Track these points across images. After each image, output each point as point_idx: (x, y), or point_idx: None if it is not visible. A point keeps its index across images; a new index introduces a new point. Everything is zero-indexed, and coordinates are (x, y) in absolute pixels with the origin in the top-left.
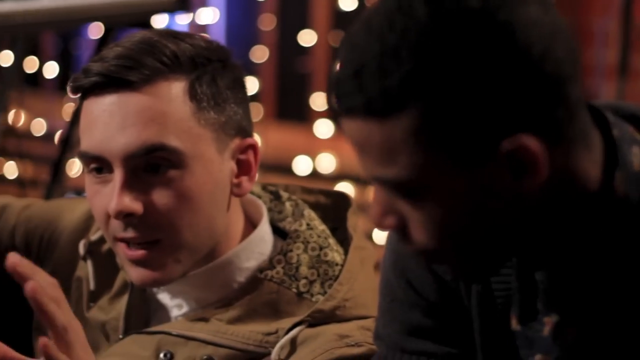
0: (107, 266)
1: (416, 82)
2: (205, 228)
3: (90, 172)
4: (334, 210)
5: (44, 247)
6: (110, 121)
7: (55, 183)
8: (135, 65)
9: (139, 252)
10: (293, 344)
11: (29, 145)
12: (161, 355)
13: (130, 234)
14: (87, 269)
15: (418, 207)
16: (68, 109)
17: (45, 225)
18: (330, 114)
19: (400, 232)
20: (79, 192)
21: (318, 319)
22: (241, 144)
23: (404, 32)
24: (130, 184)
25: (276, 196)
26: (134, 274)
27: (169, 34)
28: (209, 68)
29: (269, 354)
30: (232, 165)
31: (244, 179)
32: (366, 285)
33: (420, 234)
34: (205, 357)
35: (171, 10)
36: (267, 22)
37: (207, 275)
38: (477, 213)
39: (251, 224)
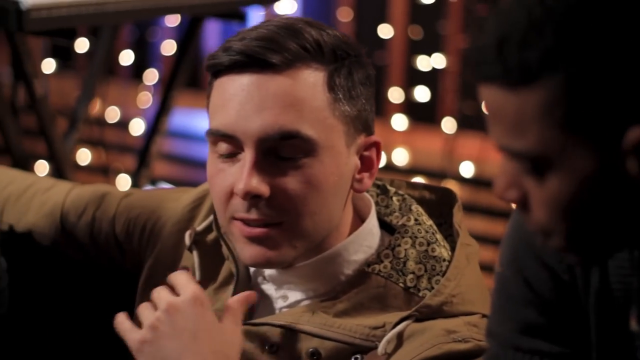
0: (212, 257)
1: (556, 58)
2: (325, 218)
3: (216, 150)
4: (439, 206)
5: (146, 236)
6: (248, 101)
7: (142, 170)
8: (278, 48)
9: (258, 230)
10: (400, 338)
11: (103, 132)
12: (267, 347)
13: (253, 215)
14: (192, 260)
15: (542, 183)
16: (143, 97)
17: (148, 214)
18: (406, 108)
19: (521, 206)
20: (154, 181)
21: (425, 314)
22: (366, 140)
23: (552, 8)
24: (260, 166)
25: (383, 190)
26: (248, 251)
27: (311, 22)
28: (347, 61)
29: (375, 347)
30: (356, 161)
31: (366, 175)
32: (472, 281)
33: (541, 211)
34: (311, 349)
35: (262, 2)
36: (344, 15)
37: (316, 267)
38: (600, 196)
39: (359, 218)
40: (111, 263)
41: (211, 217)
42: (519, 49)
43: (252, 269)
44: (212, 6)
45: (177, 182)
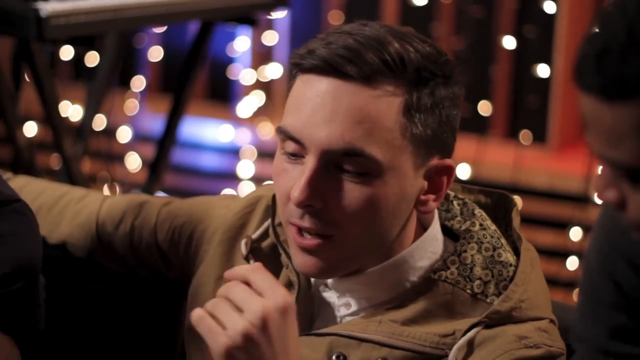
0: (269, 264)
1: None
2: (378, 236)
3: (283, 146)
4: (495, 211)
5: (194, 245)
6: (320, 109)
7: (153, 183)
8: (358, 60)
9: (309, 241)
10: (470, 346)
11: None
12: (334, 357)
13: (305, 223)
14: None
15: (638, 190)
16: (129, 104)
17: (195, 222)
18: None
19: (618, 207)
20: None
21: (495, 320)
22: (439, 164)
23: None
24: (319, 177)
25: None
26: (298, 259)
27: (403, 35)
28: (431, 82)
29: (446, 355)
30: (422, 183)
31: (431, 197)
32: (538, 286)
33: (638, 215)
34: (380, 359)
35: (271, 6)
36: (334, 18)
37: (381, 274)
38: None
39: (421, 224)
40: (153, 273)
41: (266, 223)
42: (618, 64)
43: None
44: (223, 11)
45: (185, 194)
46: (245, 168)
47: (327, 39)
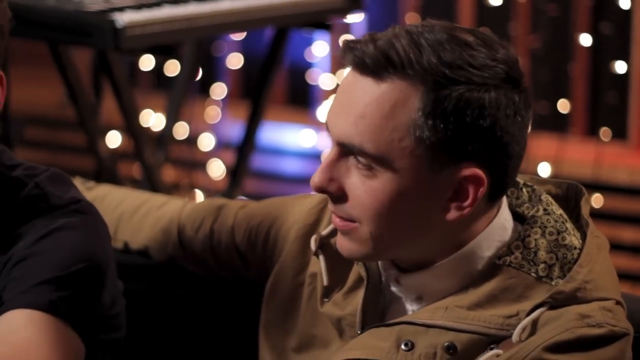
0: (340, 260)
1: None
2: (399, 231)
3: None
4: (565, 200)
5: (270, 243)
6: (340, 101)
7: (233, 190)
8: (384, 58)
9: (338, 223)
10: (534, 326)
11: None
12: (402, 345)
13: (332, 208)
14: (319, 264)
15: None
16: (211, 111)
17: (270, 222)
18: None
19: None
20: (248, 197)
21: (559, 301)
22: (466, 172)
23: None
24: (337, 165)
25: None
26: (339, 242)
27: (451, 38)
28: (452, 88)
29: (510, 336)
30: (444, 188)
31: (454, 205)
32: (604, 269)
33: None
34: (446, 343)
35: (345, 10)
36: (411, 20)
37: (449, 268)
38: None
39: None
40: (233, 274)
41: None
42: None
43: (383, 273)
44: (298, 17)
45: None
46: None
47: (374, 36)
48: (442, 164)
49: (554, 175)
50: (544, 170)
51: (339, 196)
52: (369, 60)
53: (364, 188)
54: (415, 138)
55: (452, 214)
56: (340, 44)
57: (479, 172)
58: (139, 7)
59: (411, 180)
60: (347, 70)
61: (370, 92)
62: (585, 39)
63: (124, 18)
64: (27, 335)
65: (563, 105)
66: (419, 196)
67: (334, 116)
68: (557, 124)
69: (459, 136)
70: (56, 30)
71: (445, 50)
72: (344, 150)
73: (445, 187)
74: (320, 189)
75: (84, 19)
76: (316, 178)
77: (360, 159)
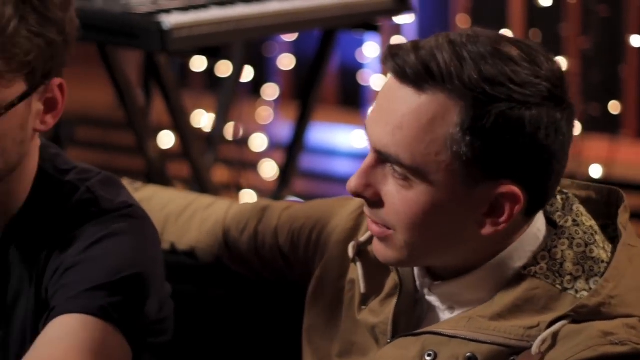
0: (377, 267)
1: None
2: (433, 241)
3: None
4: (606, 207)
5: (312, 246)
6: (382, 107)
7: (282, 189)
8: (424, 69)
9: (377, 229)
10: (554, 338)
11: (223, 149)
12: (426, 355)
13: (367, 212)
14: (357, 271)
15: None
16: (262, 112)
17: (312, 224)
18: None
19: None
20: (299, 197)
21: (582, 315)
22: (503, 188)
23: None
24: (374, 171)
25: None
26: (375, 247)
27: (501, 54)
28: (493, 104)
29: (530, 347)
30: (478, 203)
31: (489, 221)
32: (633, 284)
33: None
34: (468, 354)
35: (395, 11)
36: (462, 22)
37: (480, 277)
38: None
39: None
40: (277, 276)
41: None
42: None
43: (418, 280)
44: (346, 18)
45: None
46: None
47: (416, 44)
48: (478, 180)
49: (605, 177)
50: (596, 171)
51: (375, 202)
52: (410, 70)
53: (399, 197)
54: (452, 153)
55: (487, 229)
56: (386, 48)
57: (516, 189)
58: (186, 9)
59: (446, 194)
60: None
61: (410, 102)
62: (636, 40)
63: (170, 20)
64: (78, 340)
65: (614, 107)
66: (454, 210)
67: (373, 123)
68: (608, 126)
69: (497, 153)
70: (104, 32)
71: (487, 65)
72: (381, 157)
73: (480, 202)
74: (357, 194)
75: (131, 21)
76: (353, 182)
77: (397, 168)
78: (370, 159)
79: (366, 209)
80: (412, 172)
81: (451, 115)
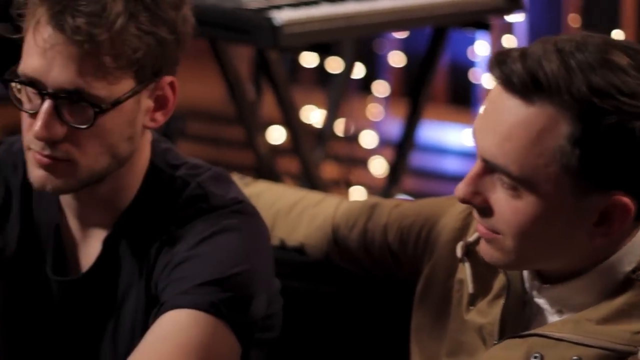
0: (486, 267)
1: None
2: (541, 249)
3: None
4: None
5: (421, 244)
6: (489, 115)
7: (391, 186)
8: (531, 80)
9: (484, 230)
10: None
11: (333, 145)
12: (532, 358)
13: (476, 216)
14: (465, 271)
15: None
16: (372, 109)
17: (422, 223)
18: None
19: None
20: (409, 194)
21: None
22: (612, 200)
23: None
24: (482, 178)
25: None
26: (482, 248)
27: (610, 63)
28: (603, 117)
29: (636, 352)
30: (588, 214)
31: (600, 231)
32: None
33: None
34: (574, 358)
35: (506, 9)
36: (573, 21)
37: (589, 281)
38: None
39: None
40: (386, 273)
41: None
42: None
43: (527, 282)
44: (457, 16)
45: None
46: None
47: (524, 53)
48: (587, 192)
49: None
50: None
51: (484, 208)
52: (517, 80)
53: (508, 206)
54: (561, 165)
55: (597, 239)
56: (492, 55)
57: (626, 200)
58: (297, 5)
59: (555, 205)
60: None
61: (517, 113)
62: None
63: (282, 16)
64: (189, 335)
65: None
66: (563, 220)
67: (480, 131)
68: None
69: (606, 165)
70: (215, 27)
71: (596, 76)
72: (489, 166)
73: (590, 213)
74: (465, 201)
75: (242, 16)
76: (461, 190)
77: (505, 178)
78: (478, 166)
79: (475, 214)
80: (521, 183)
81: (560, 127)
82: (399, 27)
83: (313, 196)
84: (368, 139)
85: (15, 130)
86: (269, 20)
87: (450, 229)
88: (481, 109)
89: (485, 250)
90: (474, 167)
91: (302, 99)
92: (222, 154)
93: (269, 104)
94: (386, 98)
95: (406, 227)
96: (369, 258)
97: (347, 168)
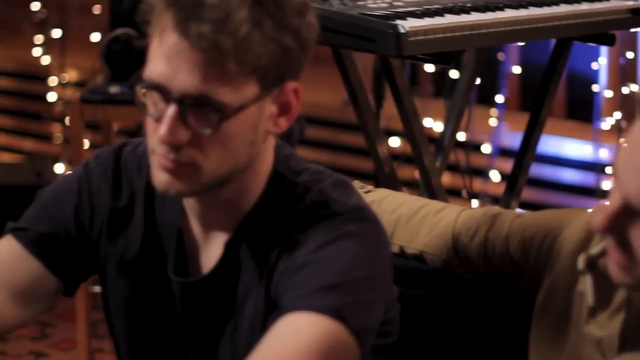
0: (607, 281)
1: None
2: None
3: None
4: None
5: (543, 256)
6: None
7: (510, 198)
8: None
9: (619, 260)
10: None
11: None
12: None
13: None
14: (586, 283)
15: None
16: (489, 120)
17: (544, 234)
18: None
19: None
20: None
21: None
22: None
23: None
24: (621, 218)
25: None
26: (610, 269)
27: None
28: None
29: None
30: None
31: None
32: None
33: None
34: None
35: (630, 22)
36: None
37: None
38: None
39: None
40: (505, 283)
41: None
42: None
43: None
44: (581, 28)
45: (545, 208)
46: (608, 185)
47: None
48: None
49: None
50: None
51: (621, 241)
52: None
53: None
54: None
55: None
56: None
57: None
58: (421, 14)
59: None
60: None
61: None
62: None
63: (406, 25)
64: (308, 337)
65: None
66: None
67: (629, 173)
68: None
69: None
70: (339, 34)
71: None
72: (633, 211)
73: None
74: (598, 232)
75: (367, 24)
76: (597, 225)
77: None
78: (618, 206)
79: (603, 240)
80: None
81: None
82: (523, 38)
83: (435, 204)
84: (486, 149)
85: (133, 131)
86: (394, 27)
87: (572, 241)
88: (624, 144)
89: (614, 273)
90: (614, 203)
91: (420, 107)
92: (339, 160)
93: (384, 111)
94: (503, 108)
95: (528, 238)
96: (488, 267)
97: (465, 178)
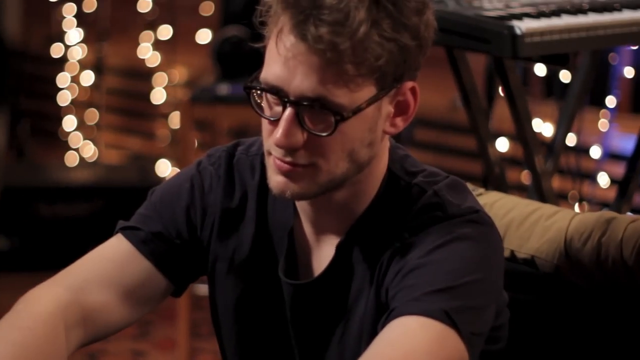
0: None
1: None
2: None
3: None
4: None
5: None
6: None
7: (622, 203)
8: None
9: None
10: None
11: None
12: None
13: None
14: None
15: None
16: (600, 123)
17: None
18: None
19: None
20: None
21: None
22: None
23: None
24: None
25: None
26: None
27: None
28: None
29: None
30: None
31: None
32: None
33: None
34: None
35: None
36: None
37: None
38: None
39: None
40: (620, 289)
41: None
42: None
43: None
44: None
45: None
46: None
47: None
48: None
49: None
50: None
51: None
52: None
53: None
54: None
55: None
56: None
57: None
58: (538, 15)
59: None
60: None
61: None
62: None
63: (522, 26)
64: (419, 341)
65: None
66: None
67: None
68: None
69: None
70: (454, 35)
71: None
72: None
73: None
74: None
75: (482, 24)
76: None
77: None
78: None
79: None
80: None
81: None
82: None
83: (547, 208)
84: (596, 152)
85: (241, 130)
86: (510, 28)
87: None
88: None
89: None
90: None
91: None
92: (445, 162)
93: (494, 113)
94: (614, 111)
95: None
96: (601, 273)
97: (575, 181)
